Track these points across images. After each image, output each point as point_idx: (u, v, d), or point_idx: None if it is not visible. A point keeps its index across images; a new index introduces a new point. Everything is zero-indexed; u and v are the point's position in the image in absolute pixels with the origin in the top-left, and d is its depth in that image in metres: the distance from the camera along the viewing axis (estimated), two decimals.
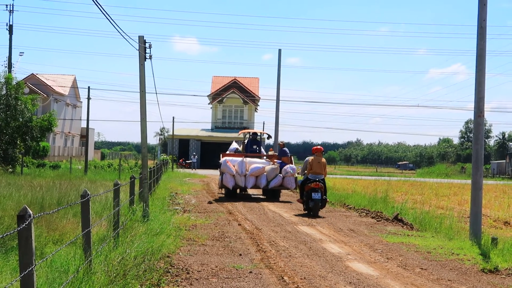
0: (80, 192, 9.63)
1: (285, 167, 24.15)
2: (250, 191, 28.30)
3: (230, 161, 23.89)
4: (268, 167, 23.97)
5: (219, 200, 23.49)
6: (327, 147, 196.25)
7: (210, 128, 77.56)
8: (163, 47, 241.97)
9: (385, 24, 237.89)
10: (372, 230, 15.67)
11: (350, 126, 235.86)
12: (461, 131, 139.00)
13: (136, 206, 14.75)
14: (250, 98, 76.45)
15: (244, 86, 77.13)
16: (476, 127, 14.20)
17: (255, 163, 24.21)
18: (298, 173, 23.85)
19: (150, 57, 16.23)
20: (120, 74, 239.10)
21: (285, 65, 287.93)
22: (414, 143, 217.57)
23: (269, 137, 29.39)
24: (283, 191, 28.18)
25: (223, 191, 26.07)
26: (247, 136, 27.14)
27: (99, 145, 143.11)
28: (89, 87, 46.38)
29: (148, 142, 16.49)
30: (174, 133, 69.52)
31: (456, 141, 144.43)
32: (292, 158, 25.36)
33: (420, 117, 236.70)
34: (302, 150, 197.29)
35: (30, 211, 5.37)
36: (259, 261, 10.58)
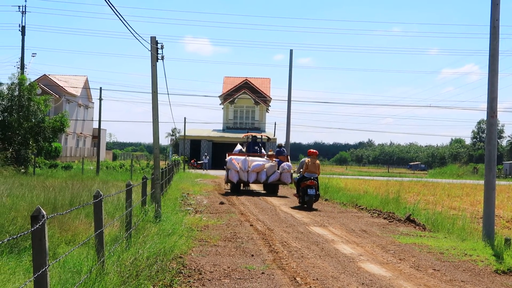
0: (92, 192, 9.66)
1: (282, 164, 27.78)
2: (252, 187, 31.81)
3: (235, 159, 27.51)
4: (268, 164, 27.52)
5: (229, 198, 23.53)
6: (339, 148, 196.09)
7: (221, 128, 77.60)
8: (175, 47, 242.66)
9: (397, 24, 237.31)
10: (384, 231, 15.63)
11: (362, 127, 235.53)
12: (473, 131, 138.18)
13: (148, 207, 14.77)
14: (262, 98, 76.43)
15: (256, 87, 77.11)
16: (489, 127, 14.12)
17: (256, 161, 27.68)
18: (294, 171, 27.11)
19: (162, 58, 16.25)
20: (131, 75, 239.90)
21: (297, 65, 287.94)
22: (426, 143, 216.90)
23: (268, 139, 33.71)
24: (281, 188, 30.96)
25: (229, 187, 29.38)
26: (249, 138, 31.39)
27: (110, 146, 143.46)
28: (101, 88, 46.56)
29: (159, 142, 16.50)
30: (186, 134, 69.59)
31: (468, 141, 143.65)
32: (289, 157, 29.56)
33: (432, 118, 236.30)
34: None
35: (43, 211, 5.39)
36: (271, 262, 10.58)
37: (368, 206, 22.06)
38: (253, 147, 30.26)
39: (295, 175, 25.02)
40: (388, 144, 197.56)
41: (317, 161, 22.09)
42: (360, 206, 22.34)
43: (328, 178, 38.77)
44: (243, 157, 27.77)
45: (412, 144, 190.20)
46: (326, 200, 25.66)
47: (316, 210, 21.00)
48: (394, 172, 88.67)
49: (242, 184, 28.93)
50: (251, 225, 15.74)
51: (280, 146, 30.16)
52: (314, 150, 22.38)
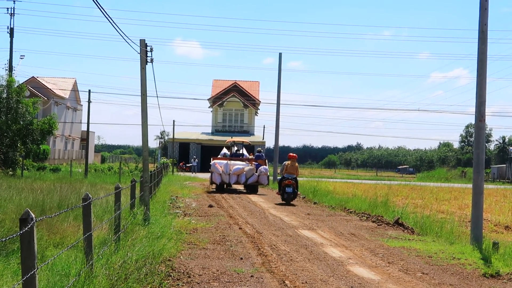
0: (81, 195, 9.63)
1: (260, 168, 31.34)
2: (236, 187, 35.04)
3: (218, 163, 31.18)
4: (247, 168, 31.07)
5: (218, 201, 23.53)
6: (327, 151, 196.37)
7: (210, 131, 77.56)
8: (165, 50, 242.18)
9: (388, 28, 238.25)
10: (373, 234, 15.66)
11: (351, 130, 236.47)
12: (461, 135, 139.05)
13: (137, 210, 14.75)
14: (251, 101, 76.47)
15: (245, 90, 77.16)
16: (477, 131, 14.19)
17: (237, 164, 31.23)
18: (278, 173, 31.07)
19: (152, 61, 16.23)
20: (121, 78, 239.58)
21: (286, 68, 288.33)
22: (414, 147, 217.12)
23: (248, 144, 39.04)
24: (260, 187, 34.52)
25: (214, 187, 32.84)
26: (233, 143, 35.94)
27: (99, 148, 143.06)
28: (89, 90, 46.24)
29: (148, 145, 16.50)
30: (175, 137, 69.51)
31: (456, 145, 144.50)
32: (266, 161, 33.06)
33: (420, 121, 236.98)
34: (302, 153, 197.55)
35: (32, 214, 5.37)
36: (260, 265, 10.57)
37: (356, 210, 22.09)
38: (236, 151, 34.63)
39: (272, 175, 28.72)
40: (376, 148, 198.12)
41: (296, 164, 25.65)
42: (348, 210, 22.37)
43: (317, 181, 38.84)
44: (225, 161, 31.22)
45: (400, 147, 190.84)
46: (315, 203, 25.70)
47: (294, 205, 24.22)
48: (383, 176, 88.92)
49: (225, 185, 32.37)
50: (240, 228, 15.74)
51: (259, 151, 33.74)
52: (294, 154, 26.03)
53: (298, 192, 26.77)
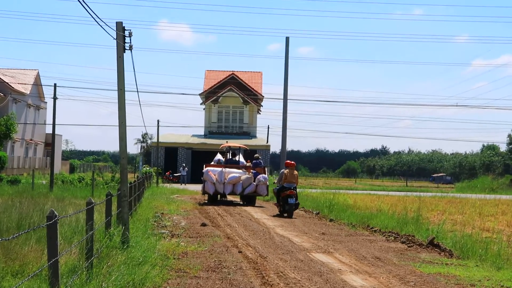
0: (45, 212, 9.61)
1: (258, 177, 32.92)
2: (231, 198, 36.96)
3: (211, 171, 32.87)
4: (244, 176, 32.77)
5: (213, 219, 23.52)
6: (346, 156, 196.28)
7: (203, 133, 77.61)
8: (147, 35, 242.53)
9: (419, 6, 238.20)
10: (402, 258, 15.65)
11: (374, 131, 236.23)
12: (509, 135, 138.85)
13: (114, 230, 14.73)
14: (252, 97, 76.53)
15: (244, 83, 77.19)
16: None
17: (233, 172, 32.90)
18: (274, 182, 33.12)
19: (131, 48, 16.24)
20: (94, 69, 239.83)
21: (295, 56, 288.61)
22: (452, 150, 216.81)
23: (246, 150, 39.82)
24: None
25: (206, 198, 34.60)
26: (228, 149, 37.00)
27: (67, 155, 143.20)
28: (55, 84, 46.19)
29: (127, 151, 16.49)
30: (160, 140, 69.50)
31: (503, 148, 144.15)
32: (266, 169, 35.06)
33: (459, 119, 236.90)
34: (316, 159, 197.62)
35: None
36: None
37: (382, 228, 22.10)
38: (231, 157, 35.72)
39: (274, 185, 30.81)
40: (406, 152, 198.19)
41: (295, 172, 28.02)
42: (372, 228, 22.39)
43: (334, 193, 38.83)
44: (219, 169, 33.00)
45: (435, 151, 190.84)
46: (331, 220, 25.73)
47: (295, 218, 26.28)
48: (414, 186, 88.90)
49: (219, 195, 34.19)
50: (240, 252, 15.73)
51: (257, 157, 34.99)
52: (292, 162, 28.36)
53: (299, 203, 28.50)
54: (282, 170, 28.61)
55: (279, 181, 28.45)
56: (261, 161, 35.31)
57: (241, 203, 34.92)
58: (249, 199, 34.11)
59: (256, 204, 33.61)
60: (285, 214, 27.04)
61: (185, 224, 22.24)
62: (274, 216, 27.11)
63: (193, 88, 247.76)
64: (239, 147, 38.74)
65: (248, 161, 37.33)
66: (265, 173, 33.95)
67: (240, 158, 36.62)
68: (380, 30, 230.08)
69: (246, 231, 20.71)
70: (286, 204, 26.83)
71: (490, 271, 13.67)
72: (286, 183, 27.34)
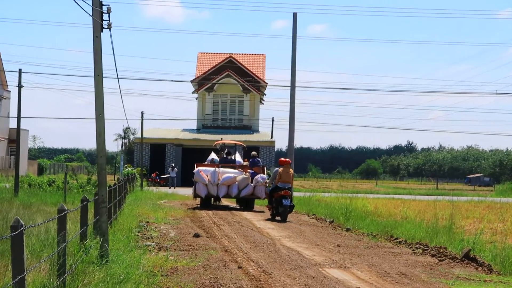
0: (9, 222, 9.60)
1: (256, 177, 33.82)
2: (228, 202, 38.49)
3: (203, 171, 33.99)
4: (240, 177, 33.75)
5: (207, 228, 23.53)
6: (365, 154, 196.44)
7: (195, 128, 77.59)
8: (130, 12, 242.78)
9: None
10: (432, 274, 15.66)
11: (399, 124, 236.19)
12: None
13: (90, 242, 14.74)
14: (253, 84, 76.44)
15: (245, 67, 77.06)
16: None
17: (227, 172, 34.02)
18: (266, 182, 33.39)
19: (109, 26, 16.22)
20: (66, 52, 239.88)
21: (304, 35, 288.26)
22: (491, 147, 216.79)
23: (244, 148, 42.36)
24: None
25: (198, 201, 35.72)
26: (222, 146, 38.86)
27: (35, 154, 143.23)
28: (20, 69, 46.13)
29: (106, 148, 16.50)
30: (144, 136, 69.46)
31: None
32: (264, 168, 36.47)
33: (499, 110, 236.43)
34: (329, 158, 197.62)
35: None
36: None
37: (408, 239, 22.10)
38: (226, 156, 37.08)
39: (268, 186, 31.94)
40: (436, 149, 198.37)
41: (291, 170, 29.58)
42: (396, 239, 22.39)
43: (350, 198, 38.79)
44: (212, 169, 34.11)
45: (471, 148, 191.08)
46: (347, 230, 25.72)
47: (290, 222, 27.49)
48: (446, 189, 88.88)
49: (213, 199, 35.69)
50: (240, 267, 15.74)
51: (254, 155, 36.37)
52: (287, 159, 29.87)
53: (294, 205, 30.06)
54: (276, 169, 30.11)
55: (272, 180, 30.06)
56: (259, 159, 36.69)
57: (238, 207, 36.09)
58: (246, 203, 35.15)
59: (256, 209, 34.47)
60: (278, 218, 28.27)
61: (175, 235, 22.25)
62: (277, 221, 27.75)
63: (184, 74, 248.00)
64: (235, 144, 40.66)
65: (246, 159, 38.36)
66: (264, 173, 34.93)
67: (237, 156, 37.70)
68: (406, 4, 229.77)
69: (247, 242, 20.72)
70: (280, 206, 28.02)
71: None
72: (280, 183, 28.64)
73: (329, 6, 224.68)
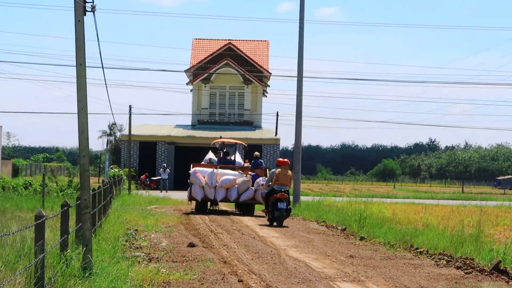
0: None
1: (257, 180, 34.29)
2: (226, 207, 39.17)
3: (200, 172, 34.54)
4: (240, 180, 34.40)
5: (204, 237, 23.54)
6: (381, 153, 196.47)
7: (190, 124, 77.62)
8: None
9: None
10: None
11: (419, 119, 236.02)
12: None
13: (72, 252, 14.77)
14: (255, 74, 76.41)
15: (245, 55, 77.04)
16: None
17: (226, 174, 34.56)
18: (262, 184, 33.53)
19: (93, 9, 16.22)
20: (44, 38, 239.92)
21: (313, 19, 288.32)
22: None
23: (244, 148, 43.05)
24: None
25: (194, 205, 36.71)
26: (221, 145, 38.97)
27: (9, 153, 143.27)
28: None
29: (90, 147, 16.53)
30: (132, 133, 69.41)
31: None
32: (267, 171, 35.73)
33: None
34: (341, 158, 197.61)
35: None
36: None
37: (430, 249, 22.10)
38: (225, 156, 37.67)
39: (265, 189, 31.84)
40: (462, 147, 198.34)
41: (289, 172, 30.44)
42: (417, 249, 22.39)
43: (365, 202, 38.78)
44: (210, 170, 34.82)
45: (501, 146, 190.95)
46: (361, 238, 25.72)
47: (286, 227, 28.38)
48: (473, 193, 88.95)
49: (209, 203, 36.54)
50: (240, 281, 15.75)
51: (257, 157, 36.77)
52: (285, 159, 30.63)
53: (291, 209, 31.30)
54: (273, 170, 30.67)
55: (267, 182, 30.68)
56: (262, 161, 37.48)
57: (237, 212, 36.81)
58: (246, 208, 35.78)
59: (257, 214, 34.96)
60: (275, 223, 29.14)
61: (167, 245, 22.27)
62: (283, 228, 28.43)
63: (177, 62, 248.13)
64: (236, 143, 41.49)
65: (247, 160, 39.31)
66: (266, 176, 34.52)
67: (237, 157, 38.39)
68: None
69: (248, 253, 20.73)
70: (276, 210, 28.84)
71: None
72: (276, 185, 29.48)
73: None
